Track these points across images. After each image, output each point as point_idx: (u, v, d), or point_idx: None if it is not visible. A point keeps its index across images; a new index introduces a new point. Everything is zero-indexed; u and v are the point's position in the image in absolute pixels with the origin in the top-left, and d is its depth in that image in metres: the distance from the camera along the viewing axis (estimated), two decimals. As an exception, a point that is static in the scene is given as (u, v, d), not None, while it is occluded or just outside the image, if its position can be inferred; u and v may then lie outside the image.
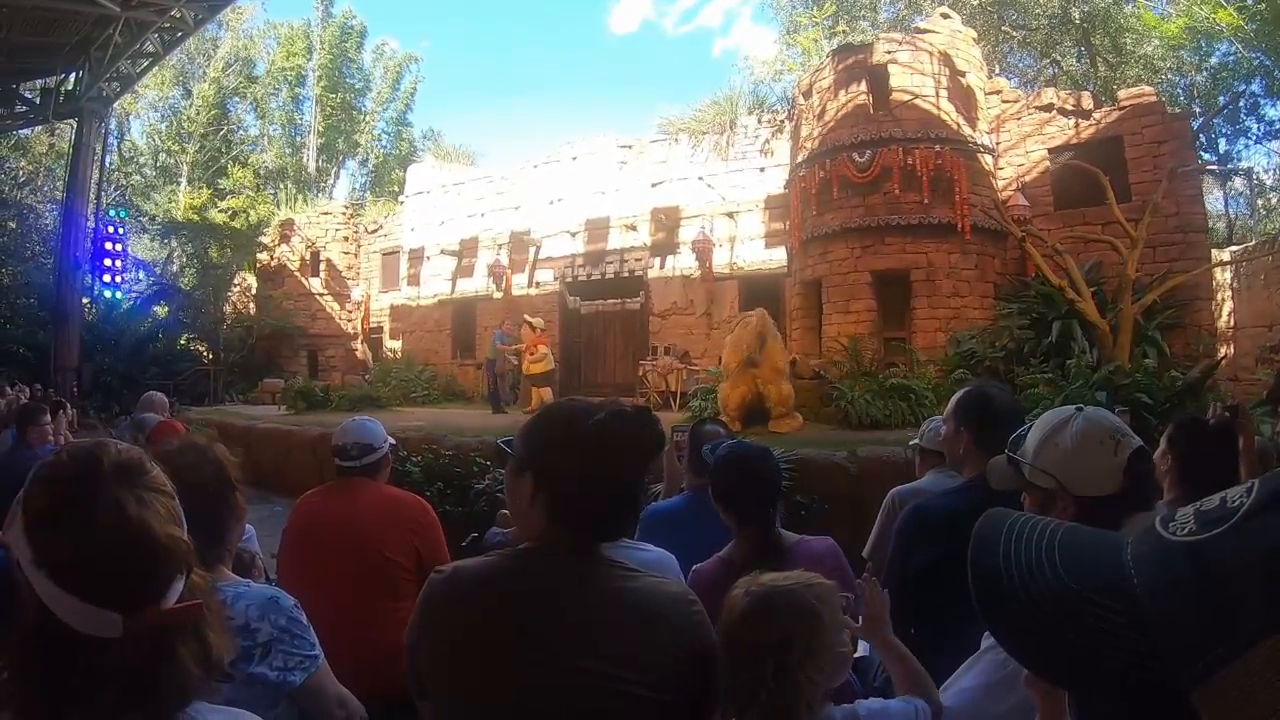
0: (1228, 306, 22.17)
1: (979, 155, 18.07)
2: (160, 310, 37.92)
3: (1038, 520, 1.02)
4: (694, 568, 3.46)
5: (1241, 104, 30.65)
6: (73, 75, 28.41)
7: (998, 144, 19.28)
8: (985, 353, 15.22)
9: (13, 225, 38.15)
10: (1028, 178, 19.21)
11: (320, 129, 52.99)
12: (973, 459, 3.60)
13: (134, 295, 37.09)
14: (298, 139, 54.17)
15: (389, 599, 4.04)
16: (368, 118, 55.51)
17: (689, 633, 2.16)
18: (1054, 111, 19.34)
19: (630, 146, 27.42)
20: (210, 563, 2.48)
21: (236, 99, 53.02)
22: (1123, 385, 11.38)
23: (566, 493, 2.20)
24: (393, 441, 4.81)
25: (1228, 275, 22.16)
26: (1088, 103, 19.38)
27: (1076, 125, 19.07)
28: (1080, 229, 17.11)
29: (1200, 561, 0.81)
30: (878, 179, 17.46)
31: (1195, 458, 4.11)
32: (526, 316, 22.60)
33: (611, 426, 2.22)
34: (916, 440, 5.49)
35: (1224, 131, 32.50)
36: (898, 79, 17.88)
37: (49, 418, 8.10)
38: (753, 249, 23.79)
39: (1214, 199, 33.08)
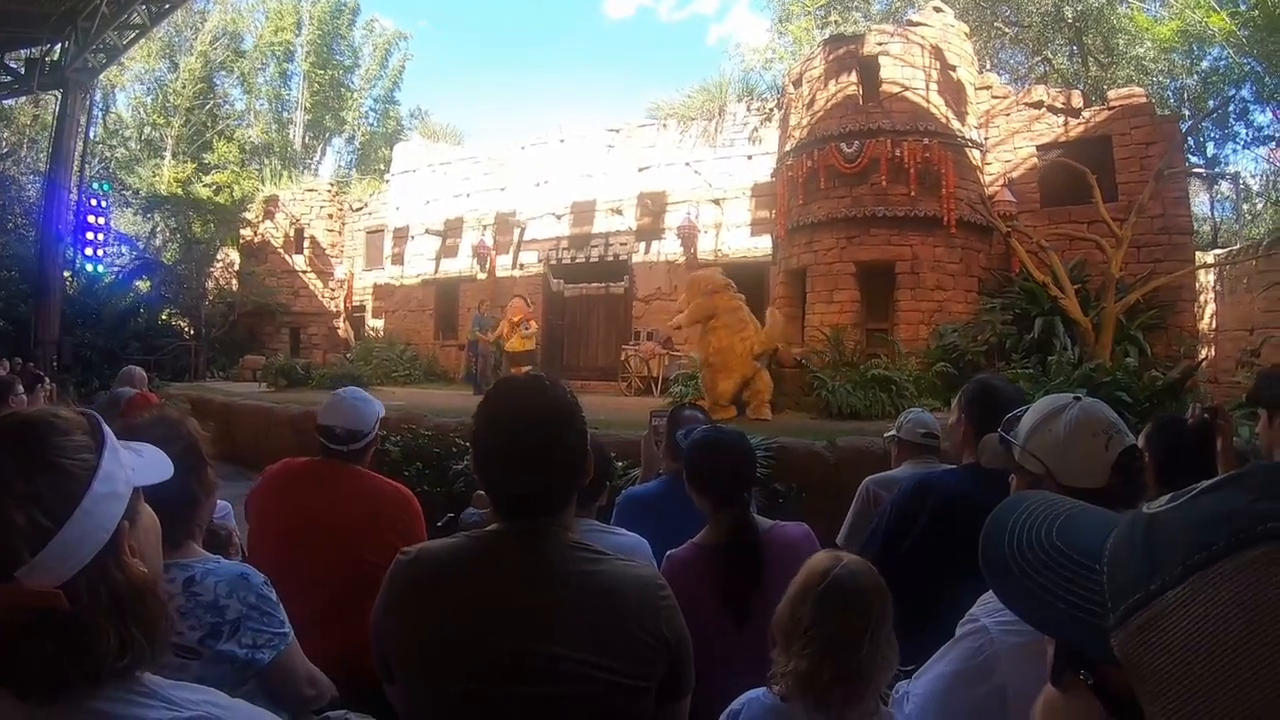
0: (1210, 309, 22.31)
1: (967, 150, 18.10)
2: (142, 285, 37.79)
3: (1056, 499, 1.12)
4: (668, 553, 3.44)
5: (1231, 109, 30.85)
6: (58, 46, 28.12)
7: (986, 139, 19.31)
8: (967, 346, 15.29)
9: None
10: (1015, 174, 19.24)
11: (307, 105, 52.82)
12: (970, 447, 3.62)
13: (116, 269, 36.89)
14: (284, 115, 53.98)
15: (364, 597, 3.92)
16: (355, 95, 55.38)
17: (655, 617, 2.14)
18: (1043, 109, 19.41)
19: (618, 130, 27.37)
20: (180, 538, 2.51)
21: (223, 73, 52.77)
22: (1103, 383, 11.41)
23: (482, 471, 2.25)
24: (381, 414, 4.53)
25: (1211, 278, 22.28)
26: (1077, 101, 19.43)
27: (1066, 123, 19.14)
28: (1066, 227, 17.22)
29: (1151, 525, 0.89)
30: (865, 170, 17.47)
31: (1173, 457, 4.10)
32: (517, 293, 22.66)
33: (501, 398, 2.26)
34: (893, 432, 5.47)
35: (1212, 135, 32.73)
36: (888, 71, 17.87)
37: (22, 390, 8.08)
38: (738, 236, 23.82)
39: (1200, 202, 33.33)
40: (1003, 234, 16.03)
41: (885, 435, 5.98)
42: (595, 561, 2.16)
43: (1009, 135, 19.56)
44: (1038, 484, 2.44)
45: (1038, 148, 19.25)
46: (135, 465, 1.49)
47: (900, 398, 13.74)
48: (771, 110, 23.45)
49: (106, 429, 1.44)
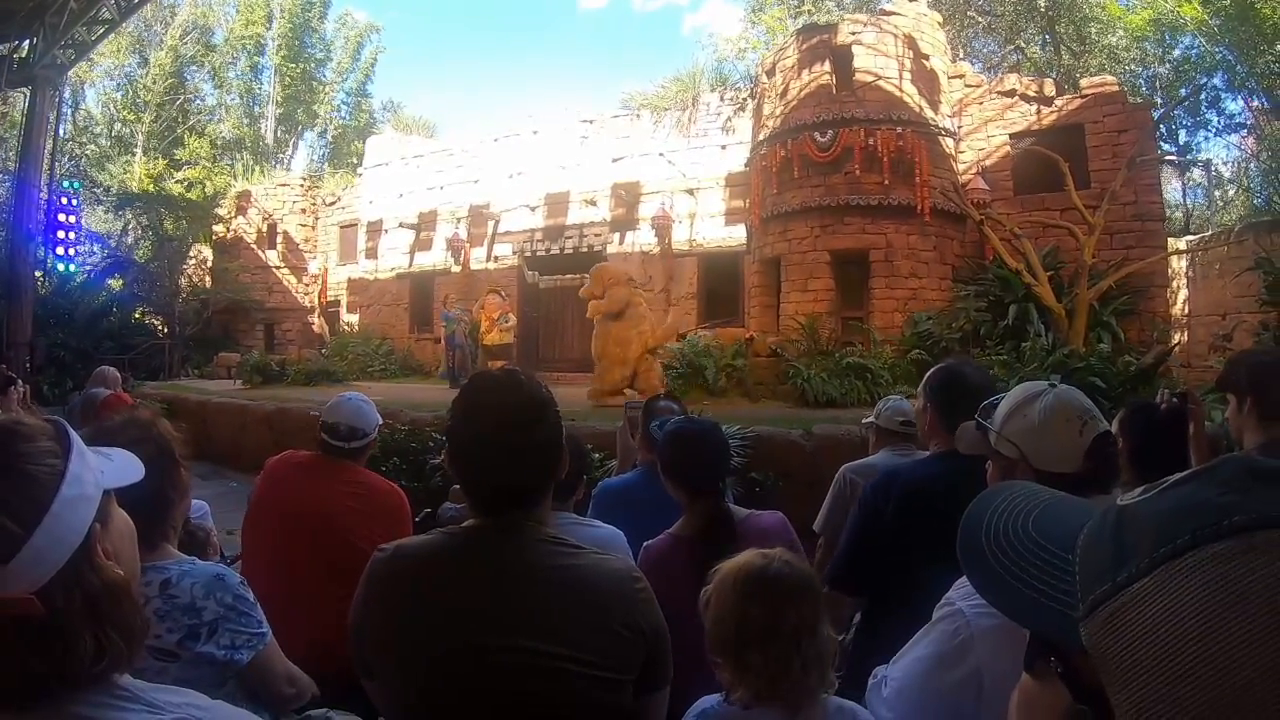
0: (1183, 295, 22.53)
1: (941, 138, 18.21)
2: (115, 283, 37.56)
3: (1035, 490, 1.15)
4: (644, 544, 3.44)
5: (1203, 96, 31.01)
6: (26, 42, 27.91)
7: (960, 128, 19.43)
8: (942, 334, 15.41)
9: None
10: (988, 162, 19.33)
11: (279, 99, 52.43)
12: (936, 434, 3.64)
13: (88, 268, 36.65)
14: (256, 109, 53.55)
15: (348, 584, 3.92)
16: (327, 88, 54.94)
17: (631, 609, 2.14)
18: (1016, 97, 19.47)
19: (592, 121, 27.38)
20: (154, 540, 2.49)
21: (194, 67, 52.23)
22: (1077, 369, 11.49)
23: (459, 466, 2.27)
24: (380, 422, 4.72)
25: (1184, 264, 22.50)
26: (1050, 90, 19.55)
27: (1038, 112, 19.22)
28: (1039, 214, 17.37)
29: (1121, 517, 0.89)
30: (839, 159, 17.55)
31: (1147, 442, 4.12)
32: (494, 287, 22.67)
33: (477, 394, 2.27)
34: (871, 419, 5.47)
35: (1184, 123, 32.88)
36: (862, 60, 17.94)
37: None
38: (713, 226, 23.86)
39: (1172, 189, 33.52)
40: (976, 222, 16.14)
41: (863, 422, 5.99)
42: (571, 556, 2.17)
43: (982, 124, 19.61)
44: (1012, 469, 2.47)
45: (1011, 136, 19.32)
46: (104, 468, 1.47)
47: (876, 385, 13.81)
48: (745, 100, 23.43)
49: (72, 433, 1.43)
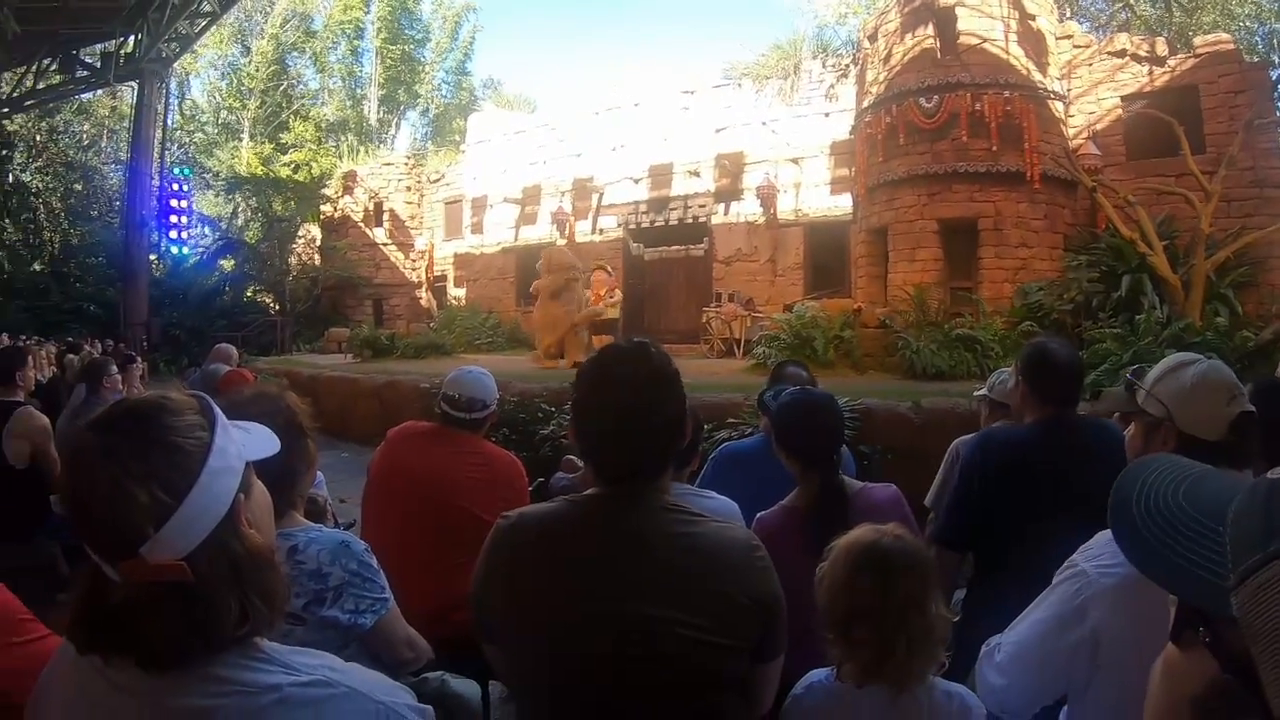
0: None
1: (1049, 102, 17.79)
2: (226, 264, 38.83)
3: (1183, 463, 1.23)
4: (757, 515, 3.46)
5: (1323, 54, 29.82)
6: (131, 38, 28.76)
7: (1069, 91, 18.90)
8: (1053, 305, 14.99)
9: (79, 187, 39.68)
10: (1099, 126, 18.79)
11: (380, 81, 53.33)
12: (1029, 407, 3.75)
13: (200, 250, 38.01)
14: (358, 91, 54.56)
15: (467, 551, 3.99)
16: (427, 68, 55.80)
17: (751, 578, 2.16)
18: (1127, 58, 18.86)
19: (693, 92, 27.27)
20: (283, 509, 2.53)
21: (295, 54, 53.51)
22: (1193, 343, 11.05)
23: (584, 436, 2.27)
24: (497, 396, 4.79)
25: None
26: (1162, 49, 18.86)
27: (1150, 73, 18.60)
28: (1153, 181, 16.67)
29: (1272, 491, 0.94)
30: (945, 125, 17.23)
31: (1273, 420, 4.07)
32: (599, 262, 22.72)
33: (607, 365, 2.29)
34: (983, 391, 5.46)
35: (1304, 84, 31.72)
36: (965, 22, 17.57)
37: (116, 370, 8.32)
38: (818, 195, 23.71)
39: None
40: (1088, 189, 15.75)
41: (975, 394, 5.96)
42: (693, 524, 2.19)
43: (1092, 86, 19.12)
44: (1156, 429, 2.55)
45: (1122, 98, 18.75)
46: (245, 441, 1.55)
47: (985, 358, 13.65)
48: (847, 66, 23.10)
49: (216, 408, 1.51)
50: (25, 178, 39.25)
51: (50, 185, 40.55)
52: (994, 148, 16.74)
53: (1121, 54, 18.99)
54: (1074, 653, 2.26)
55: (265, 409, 2.53)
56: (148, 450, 1.36)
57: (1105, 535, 2.22)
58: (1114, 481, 3.33)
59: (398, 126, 56.08)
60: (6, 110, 31.18)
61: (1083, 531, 2.41)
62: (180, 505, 1.34)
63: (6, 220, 37.62)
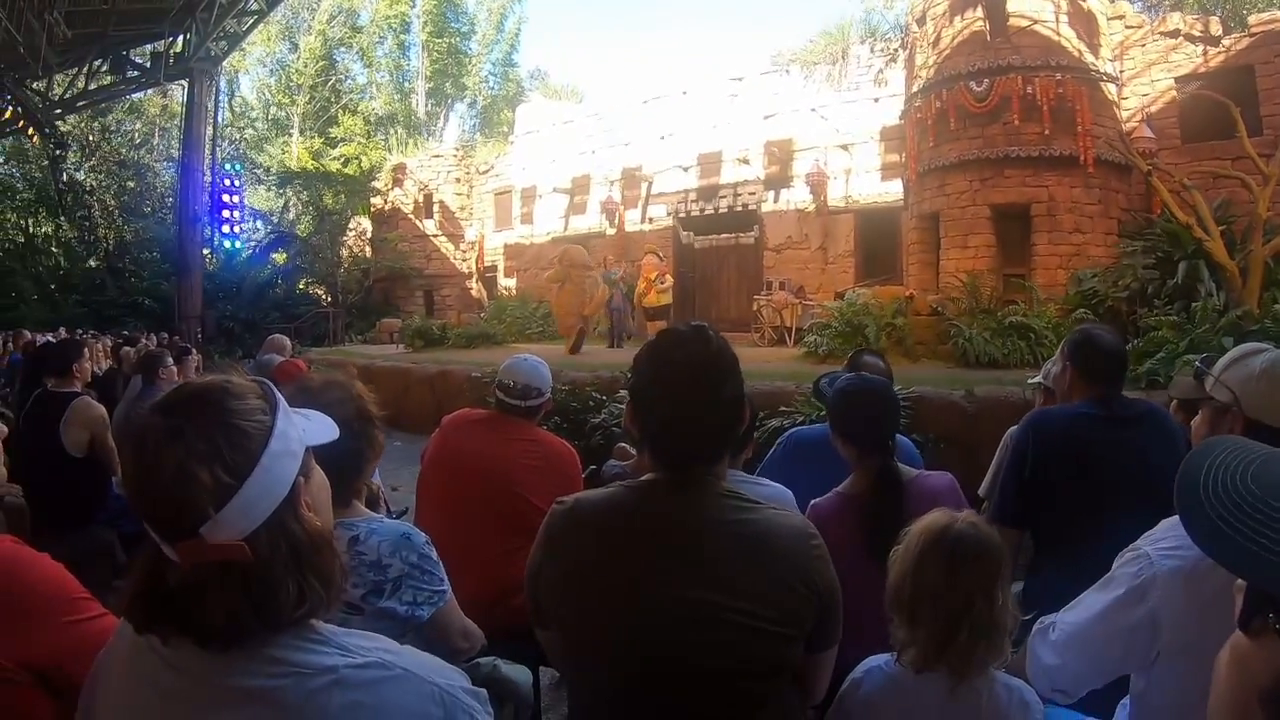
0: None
1: (1102, 84, 17.61)
2: (279, 257, 39.33)
3: (1249, 445, 1.24)
4: (812, 503, 3.44)
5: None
6: (180, 38, 29.16)
7: (1121, 72, 18.70)
8: (1107, 292, 14.73)
9: (132, 184, 40.33)
10: (1153, 108, 18.59)
11: (428, 74, 53.76)
12: (1077, 391, 3.79)
13: (253, 244, 38.49)
14: (405, 85, 55.10)
15: (521, 537, 3.98)
16: (474, 60, 56.12)
17: (808, 567, 2.16)
18: (1181, 38, 18.62)
19: (741, 79, 27.29)
20: (346, 498, 2.61)
21: (342, 49, 54.17)
22: (1250, 331, 10.84)
23: (644, 421, 2.25)
24: (551, 384, 4.76)
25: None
26: (1217, 29, 18.61)
27: (1205, 53, 18.36)
28: (1209, 164, 16.33)
29: None
30: (996, 109, 17.12)
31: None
32: (650, 248, 22.77)
33: (668, 349, 2.26)
34: (1040, 378, 5.37)
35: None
36: (1015, 4, 17.43)
37: (172, 362, 8.51)
38: (868, 182, 23.65)
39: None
40: (1143, 173, 15.51)
41: (1028, 382, 5.95)
42: (750, 511, 2.18)
43: (1145, 67, 18.91)
44: (1223, 415, 2.57)
45: (1176, 80, 18.54)
46: (305, 427, 1.56)
47: (1039, 346, 13.46)
48: (896, 51, 22.95)
49: (278, 392, 1.52)
50: (79, 176, 39.80)
51: (104, 183, 41.07)
52: (1046, 131, 16.63)
53: (1175, 34, 18.76)
54: (1132, 635, 2.24)
55: (336, 396, 2.59)
56: (211, 432, 1.38)
57: (1170, 520, 2.24)
58: (1162, 460, 3.34)
59: (446, 119, 56.51)
60: (60, 111, 31.59)
61: (1135, 511, 2.43)
62: (241, 486, 1.36)
63: (62, 218, 38.29)
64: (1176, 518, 2.22)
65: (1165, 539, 2.22)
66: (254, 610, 1.36)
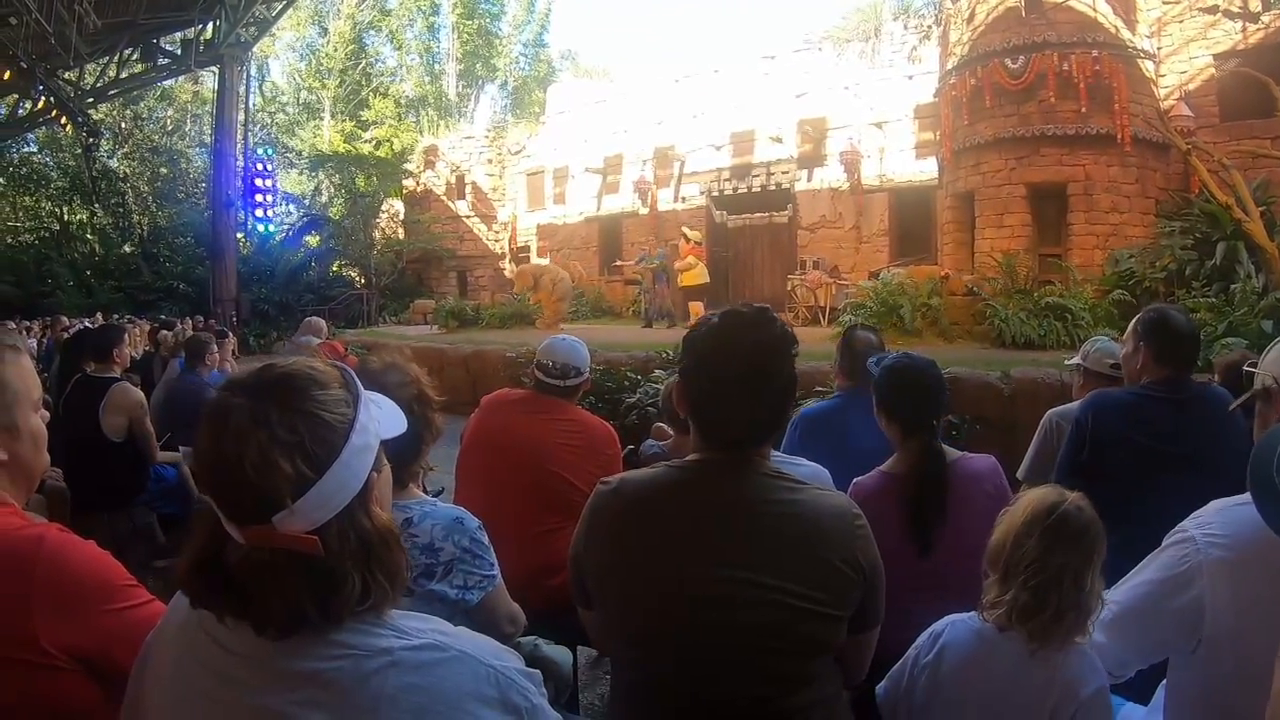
0: None
1: (1139, 61, 17.40)
2: (312, 240, 39.72)
3: None
4: (855, 480, 3.44)
5: None
6: (210, 25, 29.35)
7: (1159, 49, 18.46)
8: (1145, 273, 14.58)
9: (165, 170, 41.05)
10: (1191, 86, 18.31)
11: (458, 55, 53.95)
12: (1148, 371, 3.83)
13: (286, 227, 38.90)
14: (436, 67, 55.39)
15: (560, 517, 4.04)
16: (504, 41, 56.27)
17: (851, 546, 2.18)
18: (1219, 14, 18.27)
19: (773, 57, 27.19)
20: (404, 481, 2.63)
21: (372, 32, 54.57)
22: None
23: (694, 401, 2.27)
24: (590, 364, 4.80)
25: None
26: (1256, 4, 18.21)
27: (1244, 29, 18.01)
28: (1248, 143, 16.21)
29: None
30: (1032, 86, 16.96)
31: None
32: (684, 229, 22.74)
33: (728, 329, 2.26)
34: (1076, 360, 5.33)
35: None
36: (1051, -22, 17.15)
37: (216, 348, 8.64)
38: (902, 160, 23.52)
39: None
40: (1182, 152, 15.35)
41: (1066, 364, 5.89)
42: (794, 491, 2.20)
43: (1183, 44, 18.63)
44: (1268, 396, 2.50)
45: (1214, 57, 18.19)
46: (379, 418, 1.56)
47: (1076, 327, 13.38)
48: (930, 27, 22.65)
49: (359, 383, 1.53)
50: (112, 164, 40.63)
51: (137, 170, 41.89)
52: (1083, 109, 16.46)
53: (1213, 10, 18.44)
54: (1176, 620, 2.25)
55: (396, 379, 2.62)
56: (296, 421, 1.38)
57: (1218, 504, 2.25)
58: (1219, 442, 3.35)
59: (477, 100, 56.58)
60: (92, 100, 31.74)
61: (1190, 493, 2.43)
62: (320, 479, 1.37)
63: (96, 205, 38.94)
64: (1223, 501, 2.26)
65: (1212, 523, 2.22)
66: (315, 602, 1.37)
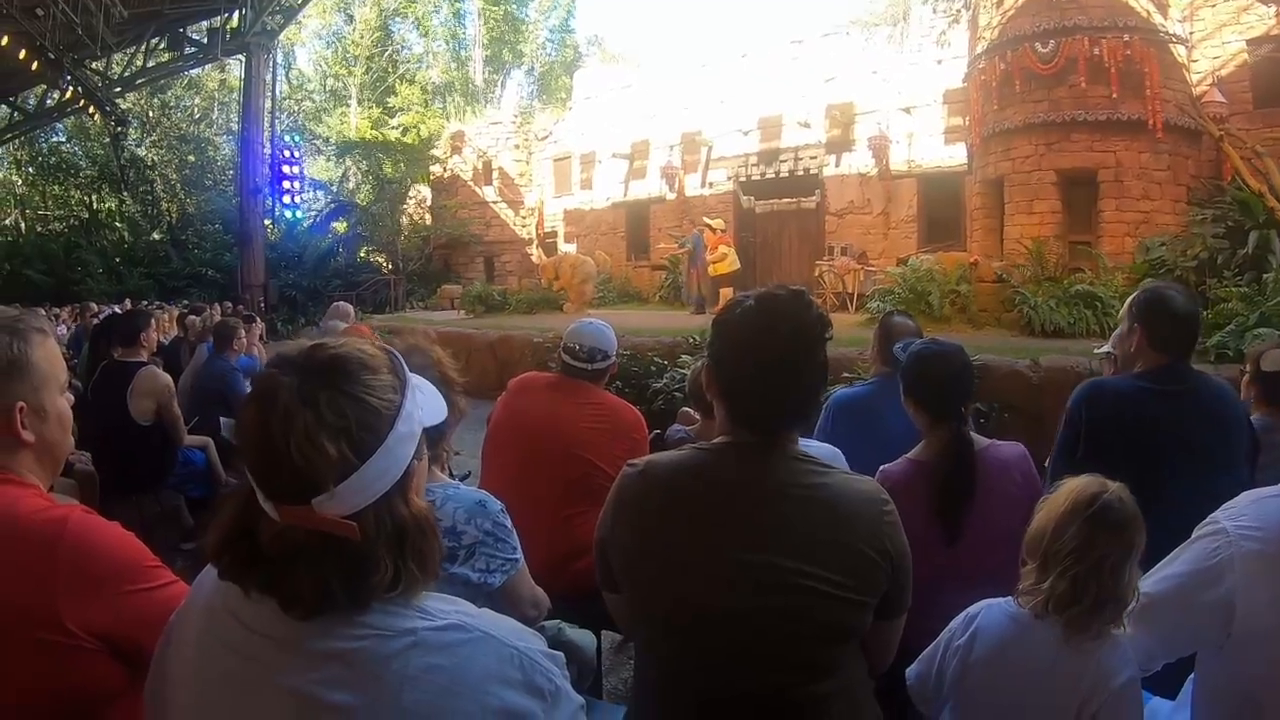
0: None
1: (1171, 46, 17.22)
2: (339, 226, 39.87)
3: None
4: (882, 468, 3.41)
5: None
6: (236, 13, 29.55)
7: (1191, 34, 18.30)
8: (1176, 261, 14.33)
9: (192, 158, 41.61)
10: (1224, 72, 18.18)
11: (484, 41, 54.10)
12: (1145, 356, 3.66)
13: (313, 214, 39.31)
14: (462, 53, 55.67)
15: (586, 501, 3.97)
16: (531, 27, 56.55)
17: (878, 531, 2.16)
18: (1252, -1, 18.20)
19: (801, 42, 27.07)
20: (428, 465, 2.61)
21: (398, 19, 54.90)
22: None
23: (727, 383, 2.25)
24: (616, 347, 4.75)
25: None
26: (1291, -12, 18.19)
27: (1277, 14, 17.88)
28: (1281, 129, 16.11)
29: None
30: (1062, 71, 16.84)
31: None
32: (706, 219, 22.68)
33: (765, 312, 2.24)
34: (1106, 348, 5.27)
35: None
36: (1081, -38, 17.01)
37: (243, 333, 8.79)
38: (931, 146, 23.34)
39: None
40: (1214, 138, 15.25)
41: (1096, 352, 5.88)
42: (822, 474, 2.19)
43: (1216, 29, 18.48)
44: None
45: (1248, 42, 18.10)
46: (422, 404, 1.56)
47: (1106, 315, 13.21)
48: (959, 11, 22.48)
49: (406, 368, 1.53)
50: (141, 152, 40.83)
51: (165, 158, 42.30)
52: (1114, 95, 16.32)
53: (1247, -6, 18.32)
54: (1207, 613, 2.22)
55: (418, 362, 2.52)
56: (345, 405, 1.38)
57: (1251, 495, 2.24)
58: (1215, 433, 3.36)
59: (503, 86, 56.59)
60: (119, 89, 32.06)
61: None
62: (363, 465, 1.36)
63: (125, 193, 39.21)
64: (1257, 492, 2.23)
65: (1245, 514, 2.20)
66: (345, 585, 1.37)
